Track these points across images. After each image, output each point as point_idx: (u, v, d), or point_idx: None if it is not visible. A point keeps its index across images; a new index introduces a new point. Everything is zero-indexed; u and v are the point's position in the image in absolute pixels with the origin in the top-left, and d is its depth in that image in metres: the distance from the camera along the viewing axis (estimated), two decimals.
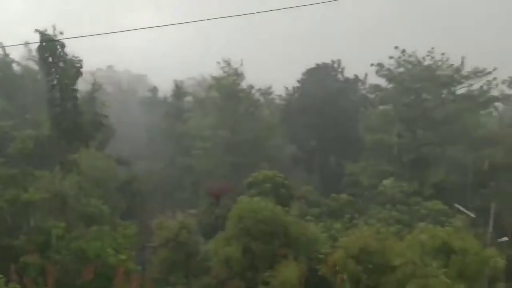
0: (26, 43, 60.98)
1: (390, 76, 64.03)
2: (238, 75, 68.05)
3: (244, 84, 68.69)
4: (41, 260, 31.65)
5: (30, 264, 31.11)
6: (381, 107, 68.23)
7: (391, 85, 65.36)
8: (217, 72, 69.38)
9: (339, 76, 74.35)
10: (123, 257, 32.68)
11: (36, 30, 44.19)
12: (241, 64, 67.51)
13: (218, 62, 68.17)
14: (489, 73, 60.59)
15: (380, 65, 63.82)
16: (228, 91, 66.96)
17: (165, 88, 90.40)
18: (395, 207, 44.43)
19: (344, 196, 47.38)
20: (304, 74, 74.60)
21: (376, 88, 68.47)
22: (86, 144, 48.32)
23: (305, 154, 71.11)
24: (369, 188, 54.74)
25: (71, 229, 35.53)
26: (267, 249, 29.02)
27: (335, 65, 74.25)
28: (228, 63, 68.06)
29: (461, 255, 24.97)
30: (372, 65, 64.45)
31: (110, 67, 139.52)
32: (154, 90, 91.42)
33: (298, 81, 74.88)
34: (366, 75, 74.10)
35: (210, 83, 72.20)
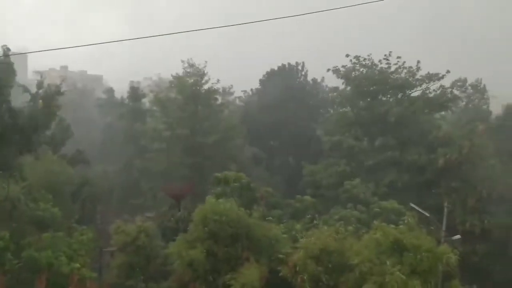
0: None
1: (346, 78, 65.30)
2: (201, 75, 67.16)
3: (207, 85, 67.98)
4: None
5: None
6: (340, 109, 69.36)
7: (348, 88, 66.66)
8: (179, 72, 68.40)
9: (301, 78, 75.19)
10: (77, 265, 31.69)
11: None
12: (205, 66, 66.76)
13: (182, 61, 67.18)
14: (443, 77, 62.88)
15: (336, 68, 65.05)
16: (188, 91, 66.11)
17: (122, 89, 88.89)
18: (355, 207, 45.21)
19: (307, 197, 47.80)
20: (265, 75, 74.97)
21: (335, 90, 69.65)
22: (28, 147, 46.21)
23: (266, 155, 71.41)
24: (328, 188, 55.50)
25: (21, 236, 34.20)
26: (229, 252, 28.93)
27: (299, 67, 75.01)
28: (191, 63, 67.15)
29: (414, 252, 25.51)
30: (328, 70, 65.75)
31: (64, 67, 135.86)
32: (110, 91, 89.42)
33: (260, 83, 75.23)
34: (323, 78, 75.37)
35: (170, 83, 70.92)
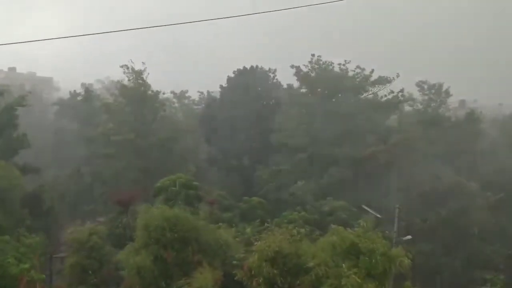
0: None
1: (303, 79, 67.19)
2: (143, 80, 66.35)
3: (153, 89, 67.41)
4: None
5: None
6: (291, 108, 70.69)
7: (303, 88, 68.45)
8: (121, 76, 67.64)
9: (262, 80, 75.72)
10: (26, 265, 31.07)
11: None
12: (145, 69, 65.69)
13: (123, 66, 66.07)
14: (392, 80, 65.91)
15: (297, 68, 66.78)
16: (133, 96, 65.38)
17: (71, 91, 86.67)
18: (304, 209, 45.82)
19: (255, 198, 48.10)
20: (227, 79, 75.41)
21: (290, 88, 71.38)
22: None
23: (220, 157, 71.55)
24: (279, 190, 56.28)
25: None
26: (179, 257, 28.66)
27: (259, 70, 75.68)
28: (131, 68, 65.99)
29: (369, 255, 25.94)
30: (292, 66, 67.26)
31: (12, 69, 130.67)
32: (73, 94, 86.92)
33: (220, 86, 75.38)
34: (274, 76, 75.84)
35: (116, 87, 70.14)
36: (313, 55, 67.95)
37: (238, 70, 74.90)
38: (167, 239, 28.13)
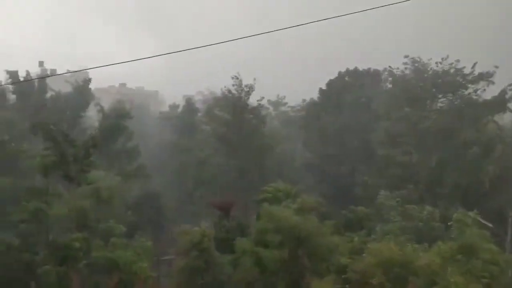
0: None
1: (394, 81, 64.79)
2: (247, 90, 68.78)
3: (254, 98, 69.56)
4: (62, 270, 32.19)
5: (50, 274, 31.46)
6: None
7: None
8: (228, 87, 70.30)
9: (364, 82, 74.06)
10: (144, 264, 33.29)
11: None
12: (254, 79, 68.15)
13: (233, 77, 68.86)
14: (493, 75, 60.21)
15: (390, 71, 64.64)
16: (232, 107, 67.95)
17: (170, 103, 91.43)
18: (404, 219, 44.22)
19: (361, 208, 47.19)
20: (328, 83, 75.06)
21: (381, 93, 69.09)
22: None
23: (319, 165, 71.15)
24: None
25: (89, 242, 36.01)
26: (289, 257, 28.93)
27: (362, 71, 74.28)
28: (237, 78, 68.62)
29: (480, 260, 25.21)
30: (385, 69, 65.06)
31: (122, 84, 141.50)
32: (173, 106, 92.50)
33: (320, 90, 75.14)
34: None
35: (215, 100, 73.43)
36: (406, 56, 64.36)
37: (339, 73, 74.03)
38: (281, 240, 28.56)
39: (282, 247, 28.88)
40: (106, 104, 70.94)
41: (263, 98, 70.25)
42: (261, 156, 65.65)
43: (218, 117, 69.72)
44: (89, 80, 57.75)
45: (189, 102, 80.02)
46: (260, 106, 69.99)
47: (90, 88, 56.55)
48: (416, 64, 63.18)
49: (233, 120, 67.39)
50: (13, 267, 33.95)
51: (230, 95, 68.29)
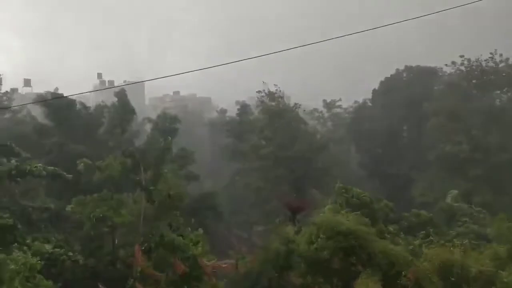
0: None
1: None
2: (281, 96, 71.48)
3: (291, 102, 71.98)
4: None
5: None
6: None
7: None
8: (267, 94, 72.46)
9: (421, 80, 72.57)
10: (199, 248, 33.12)
11: None
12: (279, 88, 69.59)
13: (275, 85, 70.79)
14: None
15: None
16: (273, 112, 69.81)
17: (217, 109, 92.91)
18: (471, 221, 42.99)
19: (423, 212, 46.19)
20: (381, 83, 74.19)
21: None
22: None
23: (373, 164, 70.18)
24: (436, 202, 53.29)
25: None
26: (344, 263, 28.74)
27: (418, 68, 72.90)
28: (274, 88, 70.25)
29: None
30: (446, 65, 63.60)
31: (176, 92, 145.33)
32: (222, 111, 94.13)
33: (374, 91, 74.40)
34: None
35: (258, 105, 75.04)
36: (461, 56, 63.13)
37: (397, 70, 72.95)
38: (337, 245, 28.43)
39: (335, 254, 28.65)
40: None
41: (299, 105, 71.94)
42: (314, 159, 65.64)
43: (266, 121, 70.78)
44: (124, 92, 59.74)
45: (244, 106, 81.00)
46: (314, 110, 70.34)
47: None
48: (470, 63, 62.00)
49: (281, 123, 68.23)
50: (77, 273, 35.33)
51: (278, 99, 69.60)
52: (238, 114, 79.80)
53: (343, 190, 38.79)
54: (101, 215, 37.26)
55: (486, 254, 27.75)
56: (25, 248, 30.61)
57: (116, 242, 39.35)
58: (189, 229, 41.10)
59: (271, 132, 68.78)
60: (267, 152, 66.37)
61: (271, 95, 71.58)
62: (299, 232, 32.60)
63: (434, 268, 25.72)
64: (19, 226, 34.88)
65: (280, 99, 71.86)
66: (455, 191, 49.61)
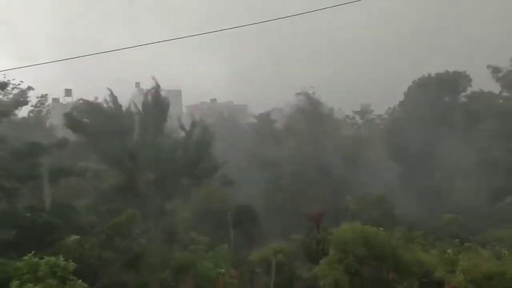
0: None
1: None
2: (317, 102, 69.86)
3: (326, 108, 71.37)
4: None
5: None
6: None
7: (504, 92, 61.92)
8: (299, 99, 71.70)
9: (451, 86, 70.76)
10: (222, 270, 33.83)
11: None
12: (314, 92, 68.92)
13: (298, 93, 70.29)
14: None
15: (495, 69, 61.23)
16: (309, 117, 69.51)
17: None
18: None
19: (449, 215, 44.56)
20: (409, 88, 72.69)
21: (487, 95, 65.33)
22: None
23: (410, 172, 68.41)
24: (483, 206, 51.16)
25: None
26: (374, 273, 27.97)
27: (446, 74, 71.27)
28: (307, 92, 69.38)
29: None
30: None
31: (213, 100, 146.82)
32: (260, 116, 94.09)
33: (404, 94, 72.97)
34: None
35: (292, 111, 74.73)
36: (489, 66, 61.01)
37: (420, 78, 71.34)
38: (363, 255, 27.73)
39: (363, 263, 27.88)
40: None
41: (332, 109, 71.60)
42: (351, 166, 64.76)
43: (297, 129, 70.74)
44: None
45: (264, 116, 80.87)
46: (348, 117, 69.83)
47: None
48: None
49: (313, 130, 67.95)
50: None
51: (309, 106, 69.30)
52: (272, 121, 79.77)
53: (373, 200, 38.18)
54: None
55: None
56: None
57: None
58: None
59: (309, 138, 68.35)
60: (302, 159, 65.99)
61: (309, 99, 70.55)
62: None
63: (473, 279, 24.46)
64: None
65: (318, 104, 71.06)
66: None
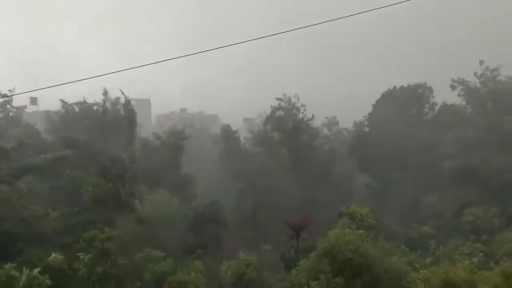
0: None
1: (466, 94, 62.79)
2: (296, 109, 69.52)
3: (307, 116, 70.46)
4: None
5: None
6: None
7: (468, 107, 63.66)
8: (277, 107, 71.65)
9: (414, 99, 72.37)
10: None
11: None
12: (298, 99, 68.93)
13: (278, 99, 70.19)
14: None
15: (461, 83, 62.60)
16: (285, 126, 68.89)
17: (237, 126, 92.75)
18: (479, 239, 41.96)
19: (426, 228, 45.36)
20: (375, 104, 73.83)
21: (449, 108, 67.01)
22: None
23: (378, 183, 69.40)
24: (450, 218, 52.24)
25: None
26: (350, 285, 27.85)
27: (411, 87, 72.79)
28: (288, 98, 69.54)
29: None
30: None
31: (183, 109, 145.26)
32: (225, 127, 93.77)
33: (373, 108, 74.05)
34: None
35: (266, 121, 74.60)
36: (482, 61, 62.61)
37: (387, 91, 72.78)
38: (346, 265, 27.65)
39: (343, 274, 27.77)
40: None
41: (313, 117, 71.13)
42: (322, 178, 65.24)
43: (273, 139, 70.57)
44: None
45: (225, 127, 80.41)
46: (324, 128, 70.33)
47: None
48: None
49: (289, 140, 67.93)
50: None
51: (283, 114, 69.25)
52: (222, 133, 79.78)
53: (350, 211, 38.57)
54: None
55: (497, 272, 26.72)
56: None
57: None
58: None
59: (283, 149, 68.49)
60: (278, 169, 66.11)
61: (288, 107, 70.43)
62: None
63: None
64: None
65: (294, 112, 70.78)
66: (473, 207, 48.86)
